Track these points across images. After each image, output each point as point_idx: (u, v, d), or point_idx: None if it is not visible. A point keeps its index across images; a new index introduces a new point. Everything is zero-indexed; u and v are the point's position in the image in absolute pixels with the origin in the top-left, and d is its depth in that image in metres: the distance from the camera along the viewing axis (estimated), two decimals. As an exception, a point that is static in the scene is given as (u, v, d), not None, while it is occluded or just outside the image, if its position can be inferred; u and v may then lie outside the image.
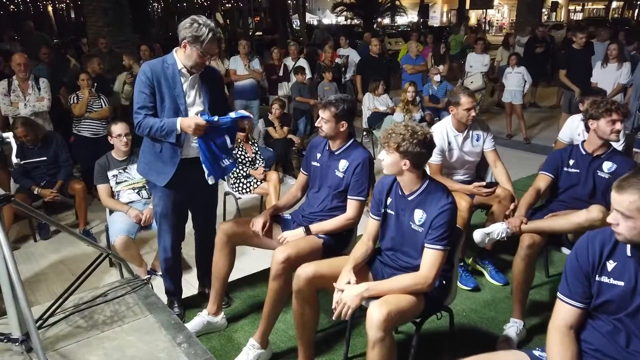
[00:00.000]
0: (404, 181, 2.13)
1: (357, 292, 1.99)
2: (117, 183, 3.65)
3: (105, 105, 4.87)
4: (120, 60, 6.24)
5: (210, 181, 2.57)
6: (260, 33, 18.59)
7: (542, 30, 10.20)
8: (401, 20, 31.03)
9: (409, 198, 2.14)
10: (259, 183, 4.36)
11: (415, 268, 2.09)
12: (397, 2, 27.58)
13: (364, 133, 6.58)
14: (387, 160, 2.08)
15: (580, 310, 1.63)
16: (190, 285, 3.27)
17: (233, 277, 2.90)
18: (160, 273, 3.10)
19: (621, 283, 1.57)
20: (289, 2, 22.39)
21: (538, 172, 2.97)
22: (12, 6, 33.18)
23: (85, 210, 4.24)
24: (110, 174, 3.64)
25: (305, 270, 2.17)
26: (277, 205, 2.83)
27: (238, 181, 4.35)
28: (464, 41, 11.13)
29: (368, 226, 2.34)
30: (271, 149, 5.42)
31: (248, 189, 4.35)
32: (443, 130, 3.22)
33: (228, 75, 6.52)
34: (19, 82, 4.60)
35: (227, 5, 23.25)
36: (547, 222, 2.66)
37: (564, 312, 1.64)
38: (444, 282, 2.22)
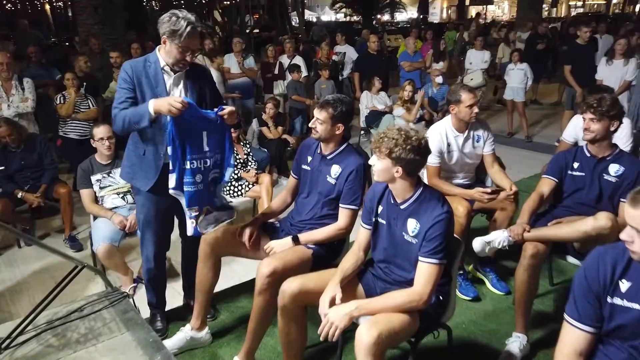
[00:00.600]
0: (395, 189, 1.97)
1: (345, 312, 1.83)
2: (101, 188, 3.49)
3: (93, 106, 4.71)
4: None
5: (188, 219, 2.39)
6: (258, 30, 18.41)
7: (544, 25, 10.01)
8: (401, 16, 30.77)
9: (402, 207, 1.98)
10: (250, 186, 4.20)
11: (410, 282, 1.93)
12: (396, -1, 27.39)
13: (362, 132, 6.42)
14: (378, 166, 1.92)
15: (590, 335, 1.48)
16: (177, 294, 3.11)
17: (220, 286, 2.75)
18: (146, 282, 2.94)
19: (636, 306, 1.41)
20: (288, -1, 22.23)
21: (541, 175, 2.81)
22: (8, 5, 32.98)
23: (70, 215, 4.09)
24: (93, 178, 3.49)
25: (290, 286, 2.01)
26: (266, 212, 2.67)
27: (229, 184, 4.19)
28: (456, 38, 10.94)
29: (359, 235, 2.18)
30: (265, 150, 5.26)
31: (240, 192, 4.19)
32: (442, 131, 3.06)
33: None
34: (1, 82, 4.44)
35: (225, 2, 23.03)
36: (551, 230, 2.50)
37: (573, 337, 1.48)
38: (441, 297, 2.06)
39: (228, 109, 2.32)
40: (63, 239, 4.14)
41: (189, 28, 2.21)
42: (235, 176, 4.21)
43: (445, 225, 1.86)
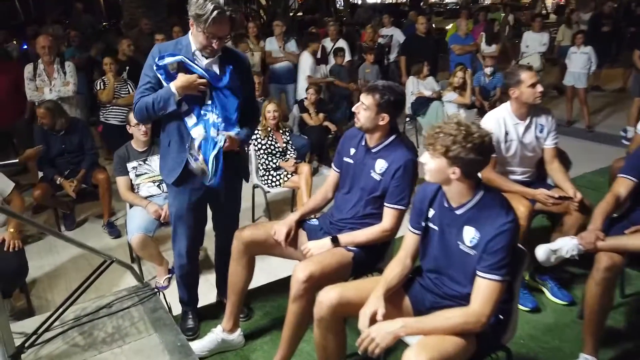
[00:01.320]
0: (451, 191, 1.71)
1: (389, 330, 1.61)
2: (137, 175, 3.40)
3: (133, 91, 4.63)
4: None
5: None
6: (301, 13, 18.07)
7: (609, 5, 9.21)
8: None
9: (457, 212, 1.72)
10: (289, 176, 4.01)
11: (465, 297, 1.69)
12: (445, -22, 26.30)
13: (407, 119, 6.09)
14: (430, 165, 1.67)
15: None
16: (212, 286, 2.96)
17: (255, 281, 2.57)
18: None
19: None
20: (333, -20, 21.68)
21: (613, 173, 2.46)
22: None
23: (109, 200, 4.04)
24: (129, 165, 3.40)
25: (328, 296, 1.80)
26: (304, 209, 2.47)
27: (267, 173, 4.02)
28: (501, 20, 10.21)
29: (406, 241, 1.94)
30: (305, 137, 5.06)
31: (278, 182, 4.01)
32: (500, 118, 2.74)
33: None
34: (44, 66, 4.42)
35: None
36: (630, 238, 2.16)
37: None
38: (501, 316, 1.80)
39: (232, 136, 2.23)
40: (102, 225, 4.12)
41: (214, 13, 1.99)
42: (274, 165, 4.03)
43: (510, 236, 1.60)
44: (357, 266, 2.16)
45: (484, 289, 1.60)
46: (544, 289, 2.80)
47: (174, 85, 2.08)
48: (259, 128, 4.01)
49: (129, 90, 4.61)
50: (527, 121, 2.72)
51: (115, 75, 4.54)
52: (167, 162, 2.34)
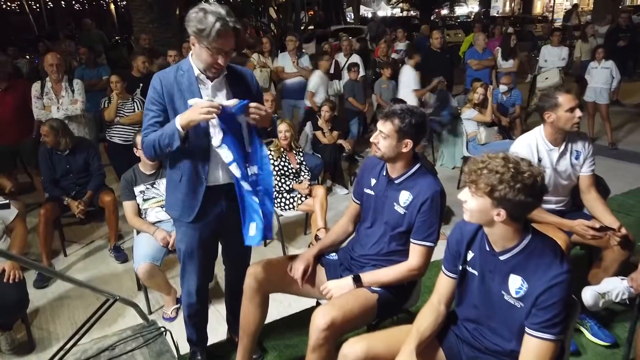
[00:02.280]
0: (493, 234, 1.52)
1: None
2: (144, 200, 3.24)
3: (139, 109, 4.49)
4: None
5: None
6: (312, 27, 18.10)
7: (624, 17, 8.99)
8: (460, 10, 29.56)
9: (501, 258, 1.52)
10: (303, 198, 3.83)
11: (508, 354, 1.49)
12: (457, -9, 26.23)
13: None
14: (471, 204, 1.48)
15: None
16: (222, 318, 2.77)
17: (269, 315, 2.37)
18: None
19: None
20: (343, -6, 21.76)
21: None
22: (77, 4, 34.56)
23: (115, 224, 3.88)
24: (137, 189, 3.25)
25: (353, 350, 1.61)
26: (323, 244, 2.28)
27: (280, 196, 3.84)
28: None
29: (440, 284, 1.74)
30: (319, 155, 4.89)
31: (291, 206, 3.83)
32: (532, 143, 2.55)
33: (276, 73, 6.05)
34: (51, 84, 4.31)
35: (281, -1, 22.93)
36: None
37: None
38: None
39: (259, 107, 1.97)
40: (108, 249, 3.96)
41: (218, 25, 1.82)
42: (287, 187, 3.86)
43: (565, 290, 1.40)
44: (382, 309, 1.97)
45: (536, 349, 1.40)
46: (583, 329, 2.57)
47: (178, 119, 1.89)
48: (271, 148, 3.85)
49: (134, 109, 4.46)
50: (562, 147, 2.53)
51: (123, 93, 4.40)
52: (177, 199, 2.14)
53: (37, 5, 30.65)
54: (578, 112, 2.41)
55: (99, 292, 2.16)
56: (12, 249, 2.77)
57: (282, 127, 3.88)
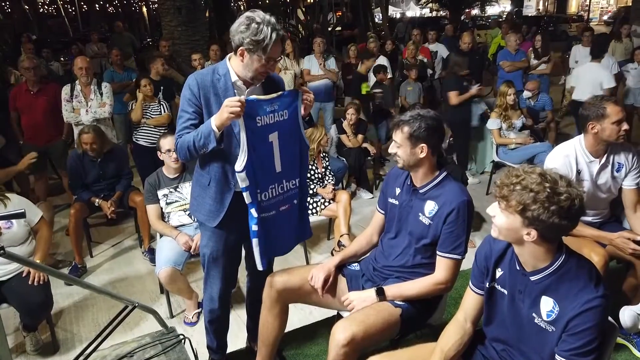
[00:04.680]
0: (523, 254, 1.42)
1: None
2: (167, 204, 3.24)
3: (166, 111, 4.51)
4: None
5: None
6: (340, 28, 18.01)
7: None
8: (492, 9, 28.97)
9: (532, 278, 1.42)
10: (327, 203, 3.77)
11: (540, 380, 1.38)
12: (488, -9, 25.74)
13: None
14: (500, 221, 1.38)
15: None
16: (242, 323, 2.73)
17: (289, 324, 2.32)
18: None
19: None
20: (372, -6, 21.56)
21: None
22: (110, 7, 35.46)
23: (148, 224, 3.79)
24: (160, 193, 3.25)
25: (375, 370, 1.54)
26: (346, 254, 2.21)
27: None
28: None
29: (466, 301, 1.65)
30: (343, 159, 4.82)
31: (315, 210, 3.78)
32: (571, 154, 2.41)
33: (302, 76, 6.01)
34: (81, 88, 4.37)
35: (309, 0, 22.91)
36: None
37: None
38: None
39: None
40: (142, 252, 3.97)
41: (274, 35, 1.81)
42: (311, 192, 3.80)
43: (599, 315, 1.29)
44: (405, 324, 1.89)
45: (568, 378, 1.30)
46: (629, 345, 2.40)
47: (213, 119, 1.86)
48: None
49: (160, 111, 4.49)
50: (604, 159, 2.39)
51: (150, 96, 4.42)
52: (205, 203, 2.11)
53: (73, 8, 31.59)
54: (625, 125, 2.27)
55: (118, 298, 2.15)
56: (36, 252, 2.80)
57: (318, 134, 3.88)
